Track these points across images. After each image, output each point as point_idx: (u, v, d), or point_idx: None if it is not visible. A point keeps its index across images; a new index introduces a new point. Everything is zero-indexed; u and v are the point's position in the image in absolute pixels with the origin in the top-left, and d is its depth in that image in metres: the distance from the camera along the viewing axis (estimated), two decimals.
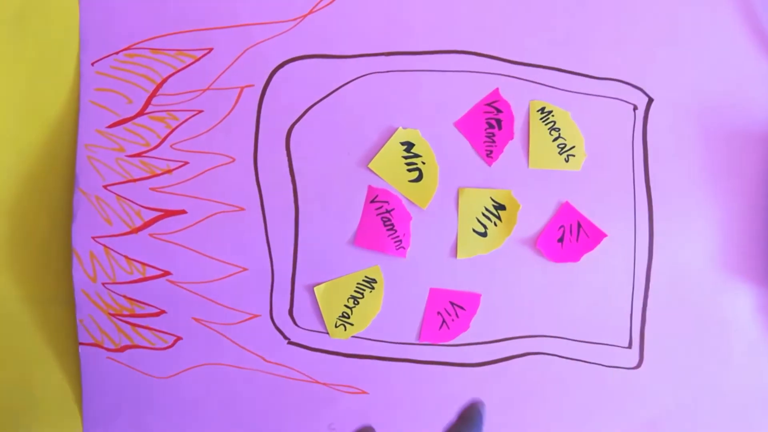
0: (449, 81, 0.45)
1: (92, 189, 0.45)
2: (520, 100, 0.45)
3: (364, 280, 0.45)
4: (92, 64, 0.45)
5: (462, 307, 0.45)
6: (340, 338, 0.45)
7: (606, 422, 0.45)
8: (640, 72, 0.45)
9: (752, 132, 0.45)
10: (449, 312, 0.45)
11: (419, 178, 0.45)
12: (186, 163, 0.45)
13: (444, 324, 0.45)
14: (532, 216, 0.45)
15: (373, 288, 0.45)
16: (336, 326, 0.45)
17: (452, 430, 0.36)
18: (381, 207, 0.45)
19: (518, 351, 0.45)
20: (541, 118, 0.45)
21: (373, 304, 0.45)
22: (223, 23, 0.45)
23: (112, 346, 0.45)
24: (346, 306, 0.45)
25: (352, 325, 0.45)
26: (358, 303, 0.45)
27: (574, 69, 0.45)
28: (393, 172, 0.45)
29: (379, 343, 0.45)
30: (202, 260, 0.45)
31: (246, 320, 0.45)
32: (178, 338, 0.45)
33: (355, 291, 0.45)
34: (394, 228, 0.45)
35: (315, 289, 0.45)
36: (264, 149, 0.45)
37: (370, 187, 0.45)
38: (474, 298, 0.45)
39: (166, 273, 0.45)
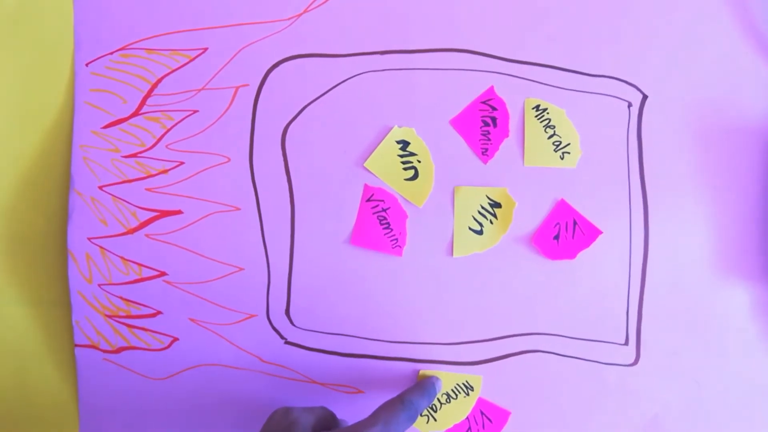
0: (444, 79, 0.45)
1: (87, 190, 0.45)
2: (515, 97, 0.45)
3: (463, 384, 0.45)
4: (87, 65, 0.45)
5: (490, 420, 0.45)
6: (419, 428, 0.45)
7: (605, 419, 0.45)
8: (634, 69, 0.45)
9: (747, 129, 0.45)
10: (477, 420, 0.45)
11: (415, 177, 0.45)
12: (181, 163, 0.45)
13: (469, 431, 0.45)
14: (528, 213, 0.45)
15: (468, 395, 0.45)
16: (421, 414, 0.45)
17: (406, 394, 0.39)
18: (377, 206, 0.45)
19: (515, 349, 0.45)
20: (536, 116, 0.45)
21: (462, 409, 0.45)
22: (218, 23, 0.45)
23: (108, 348, 0.45)
24: (438, 400, 0.45)
25: (435, 420, 0.45)
26: (450, 402, 0.45)
27: (568, 66, 0.45)
28: (388, 170, 0.45)
29: (375, 342, 0.45)
30: (198, 260, 0.45)
31: (242, 320, 0.45)
32: (175, 339, 0.45)
33: (452, 390, 0.45)
34: (390, 227, 0.45)
35: (420, 372, 0.45)
36: (259, 149, 0.45)
37: (366, 186, 0.45)
38: (503, 415, 0.45)
39: (163, 273, 0.45)
